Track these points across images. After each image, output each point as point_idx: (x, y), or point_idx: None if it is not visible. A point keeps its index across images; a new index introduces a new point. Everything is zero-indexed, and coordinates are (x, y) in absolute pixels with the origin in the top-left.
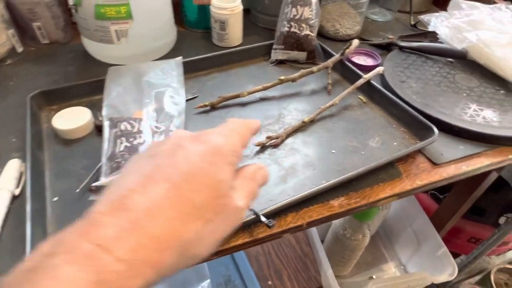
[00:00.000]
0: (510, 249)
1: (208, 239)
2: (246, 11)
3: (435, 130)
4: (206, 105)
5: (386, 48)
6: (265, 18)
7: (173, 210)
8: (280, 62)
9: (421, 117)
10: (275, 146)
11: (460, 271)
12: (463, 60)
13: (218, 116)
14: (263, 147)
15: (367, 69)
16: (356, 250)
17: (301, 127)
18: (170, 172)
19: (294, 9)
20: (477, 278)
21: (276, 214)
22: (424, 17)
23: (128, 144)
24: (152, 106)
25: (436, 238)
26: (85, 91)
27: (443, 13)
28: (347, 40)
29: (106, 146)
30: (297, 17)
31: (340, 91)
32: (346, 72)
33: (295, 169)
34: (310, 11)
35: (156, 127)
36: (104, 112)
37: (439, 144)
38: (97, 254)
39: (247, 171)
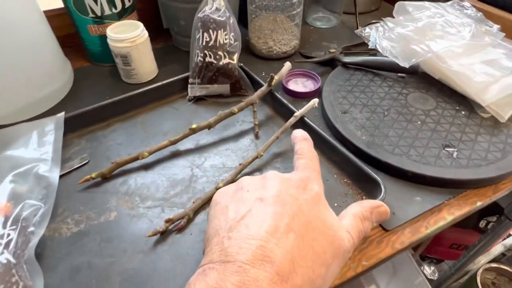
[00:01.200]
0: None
1: (328, 282)
2: (168, 32)
3: (382, 186)
4: (93, 178)
5: (329, 63)
6: (185, 41)
7: (303, 259)
8: (201, 99)
9: (363, 167)
10: (180, 230)
11: (447, 278)
12: (415, 75)
13: (110, 191)
14: (163, 234)
15: (305, 96)
16: None
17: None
18: (292, 222)
19: (206, 34)
20: (463, 280)
21: None
22: (361, 31)
23: None
24: (5, 198)
25: (412, 265)
26: None
27: (387, 20)
28: (283, 58)
29: None
30: (211, 43)
31: (271, 132)
32: (277, 106)
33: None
34: (226, 34)
35: (1, 235)
36: None
37: (391, 197)
38: None
39: (363, 208)
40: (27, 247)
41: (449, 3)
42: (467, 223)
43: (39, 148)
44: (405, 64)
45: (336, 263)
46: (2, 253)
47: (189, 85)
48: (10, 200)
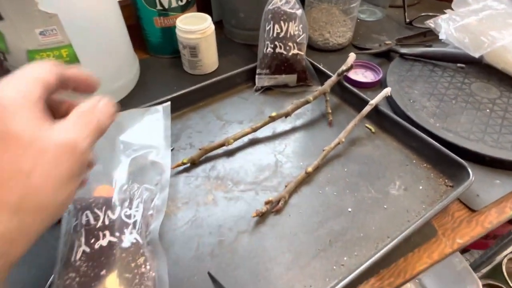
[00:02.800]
0: None
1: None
2: (218, 24)
3: (470, 171)
4: (184, 163)
5: (384, 55)
6: (242, 33)
7: None
8: (267, 89)
9: (448, 152)
10: (278, 211)
11: (477, 267)
12: (476, 65)
13: (201, 175)
14: (262, 216)
15: (368, 86)
16: None
17: (305, 179)
18: None
19: (277, 26)
20: (487, 269)
21: None
22: (430, 22)
23: (87, 249)
24: (125, 181)
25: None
26: None
27: (449, 12)
28: (338, 49)
29: (61, 246)
30: (282, 35)
31: (343, 119)
32: (346, 95)
33: (308, 244)
34: (296, 26)
35: (127, 216)
36: None
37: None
38: None
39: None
40: (147, 229)
41: None
42: None
43: (151, 135)
44: (476, 54)
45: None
46: (131, 233)
47: (257, 76)
48: (129, 183)
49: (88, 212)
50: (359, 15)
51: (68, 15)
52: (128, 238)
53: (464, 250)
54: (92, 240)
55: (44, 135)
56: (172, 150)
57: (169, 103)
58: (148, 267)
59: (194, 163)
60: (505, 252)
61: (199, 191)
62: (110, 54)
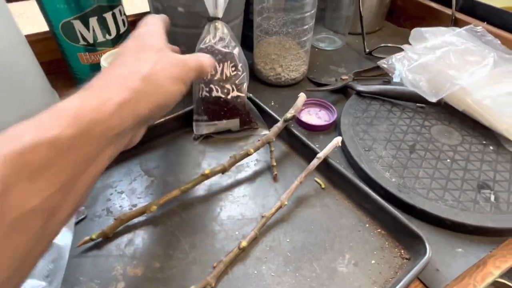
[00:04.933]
0: None
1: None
2: None
3: (427, 246)
4: (93, 239)
5: (340, 91)
6: None
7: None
8: (207, 136)
9: (404, 220)
10: None
11: None
12: (436, 105)
13: (114, 253)
14: None
15: (321, 129)
16: None
17: (238, 255)
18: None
19: None
20: None
21: None
22: (384, 63)
23: None
24: None
25: None
26: None
27: (405, 48)
28: (292, 84)
29: None
30: (217, 77)
31: (290, 172)
32: (294, 142)
33: None
34: (233, 66)
35: None
36: None
37: (431, 249)
38: None
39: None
40: None
41: (464, 28)
42: None
43: None
44: (433, 99)
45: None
46: None
47: (194, 123)
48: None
49: None
50: (318, 43)
51: None
52: None
53: None
54: None
55: (167, 50)
56: (83, 219)
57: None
58: None
59: (107, 237)
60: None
61: (108, 276)
62: (13, 99)
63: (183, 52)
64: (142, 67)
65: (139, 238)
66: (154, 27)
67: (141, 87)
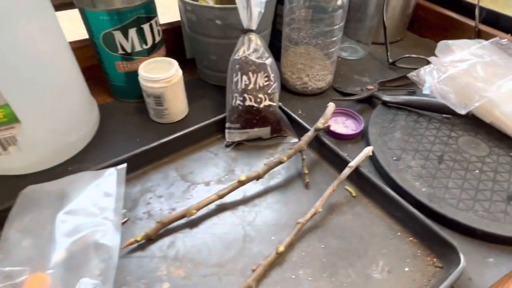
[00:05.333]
0: None
1: None
2: (192, 62)
3: (461, 256)
4: (138, 241)
5: (366, 100)
6: (214, 75)
7: None
8: (238, 143)
9: (436, 229)
10: None
11: None
12: (463, 117)
13: (158, 254)
14: None
15: (348, 138)
16: None
17: (276, 260)
18: None
19: (245, 77)
20: None
21: None
22: (413, 75)
23: None
24: (61, 272)
25: None
26: None
27: (433, 61)
28: (318, 93)
29: None
30: (251, 86)
31: (320, 180)
32: (324, 151)
33: None
34: (266, 76)
35: None
36: None
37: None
38: None
39: None
40: None
41: (489, 41)
42: None
43: (99, 207)
44: (463, 112)
45: None
46: None
47: (226, 130)
48: (65, 276)
49: None
50: (341, 53)
51: (3, 70)
52: None
53: None
54: None
55: None
56: (125, 222)
57: (124, 165)
58: None
59: (150, 239)
60: None
61: (153, 277)
62: (59, 107)
63: (214, 61)
64: None
65: (180, 241)
66: None
67: None
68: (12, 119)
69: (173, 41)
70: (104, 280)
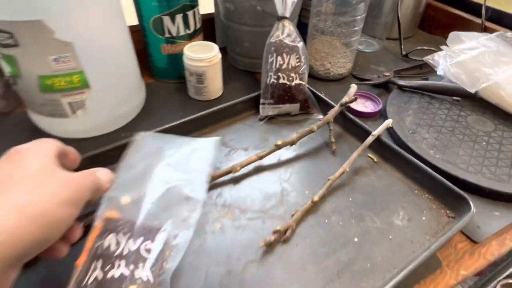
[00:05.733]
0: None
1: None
2: (222, 51)
3: (471, 203)
4: None
5: (383, 86)
6: (246, 61)
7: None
8: (270, 117)
9: (450, 184)
10: (285, 241)
11: None
12: (471, 99)
13: (208, 202)
14: (270, 245)
15: (368, 116)
16: None
17: (311, 208)
18: None
19: (279, 58)
20: None
21: None
22: (429, 59)
23: (100, 276)
24: (153, 211)
25: None
26: None
27: (445, 49)
28: (339, 79)
29: (85, 261)
30: (284, 66)
31: (345, 148)
32: (349, 125)
33: (316, 275)
34: (297, 58)
35: (147, 250)
36: (102, 207)
37: None
38: None
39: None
40: (162, 268)
41: (495, 34)
42: None
43: (193, 167)
44: (472, 90)
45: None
46: (145, 269)
47: (260, 105)
48: (158, 217)
49: (113, 235)
50: (358, 46)
51: (82, 43)
52: (140, 274)
53: None
54: (107, 267)
55: (55, 167)
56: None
57: (219, 138)
58: None
59: None
60: (498, 278)
61: (207, 219)
62: (119, 80)
63: (246, 48)
64: (15, 197)
65: (227, 193)
66: (36, 149)
67: (13, 224)
68: (84, 85)
69: (206, 32)
70: (187, 227)
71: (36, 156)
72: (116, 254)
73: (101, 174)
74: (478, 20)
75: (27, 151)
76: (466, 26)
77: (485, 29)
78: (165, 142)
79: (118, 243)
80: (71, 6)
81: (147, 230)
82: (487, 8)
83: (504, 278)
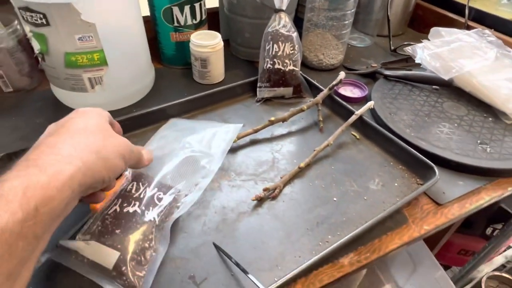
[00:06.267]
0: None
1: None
2: (225, 42)
3: (436, 170)
4: None
5: (370, 76)
6: (246, 51)
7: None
8: (266, 99)
9: (419, 155)
10: (273, 197)
11: (454, 283)
12: (448, 87)
13: None
14: (260, 200)
15: (355, 100)
16: (353, 282)
17: (298, 173)
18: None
19: (275, 46)
20: (468, 286)
21: (284, 283)
22: (408, 49)
23: (118, 209)
24: (171, 170)
25: (432, 259)
26: None
27: (425, 42)
28: (331, 69)
29: (110, 198)
30: (279, 53)
31: (332, 127)
32: (336, 107)
33: (298, 224)
34: (292, 46)
35: (159, 198)
36: None
37: (439, 180)
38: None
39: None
40: (167, 217)
41: (473, 30)
42: (475, 230)
43: (213, 145)
44: (446, 77)
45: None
46: (152, 210)
47: (258, 88)
48: (174, 178)
49: (135, 182)
50: (350, 41)
51: (103, 25)
52: (149, 216)
53: (445, 267)
54: (125, 204)
55: (112, 130)
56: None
57: (241, 125)
58: (151, 245)
59: None
60: (485, 270)
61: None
62: (132, 60)
63: (247, 38)
64: (93, 141)
65: (225, 160)
66: (97, 111)
67: (91, 160)
68: (103, 62)
69: (210, 24)
70: (196, 190)
71: (99, 116)
72: (134, 196)
73: (145, 152)
74: (463, 20)
75: (91, 111)
76: (452, 25)
77: (468, 28)
78: (197, 123)
79: (137, 189)
80: None
81: (163, 185)
82: (471, 8)
83: (492, 270)
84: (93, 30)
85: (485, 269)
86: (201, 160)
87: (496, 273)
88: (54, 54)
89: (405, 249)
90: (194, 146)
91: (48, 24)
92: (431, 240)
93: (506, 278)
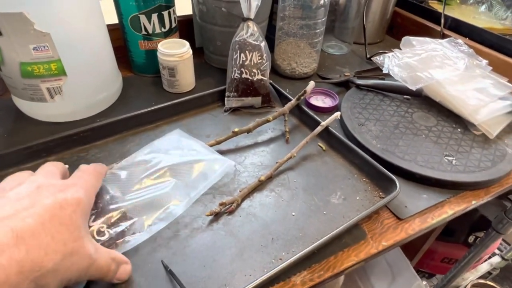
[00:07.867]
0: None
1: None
2: (200, 50)
3: (397, 183)
4: None
5: (344, 85)
6: (219, 59)
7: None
8: (235, 109)
9: (382, 169)
10: (230, 212)
11: None
12: (419, 97)
13: None
14: (217, 215)
15: (325, 110)
16: None
17: (258, 186)
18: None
19: (242, 55)
20: None
21: None
22: (377, 59)
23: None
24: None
25: (410, 270)
26: (17, 159)
27: (395, 51)
28: (304, 78)
29: None
30: (247, 62)
31: (299, 138)
32: (304, 117)
33: (253, 241)
34: (260, 55)
35: (100, 231)
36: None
37: (402, 194)
38: None
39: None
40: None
41: (445, 40)
42: (457, 238)
43: (193, 178)
44: (413, 87)
45: (73, 260)
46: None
47: (226, 98)
48: (142, 207)
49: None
50: (327, 49)
51: (60, 34)
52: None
53: (429, 275)
54: None
55: (85, 239)
56: None
57: (233, 163)
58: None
59: None
60: (470, 278)
61: None
62: (95, 69)
63: (219, 46)
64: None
65: None
66: (83, 199)
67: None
68: (61, 72)
69: (185, 32)
70: (147, 232)
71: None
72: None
73: (122, 266)
74: (439, 28)
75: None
76: (428, 33)
77: (443, 36)
78: (197, 144)
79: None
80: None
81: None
82: (447, 17)
83: (477, 278)
84: (48, 40)
85: (470, 277)
86: (171, 199)
87: (481, 280)
88: (9, 64)
89: (384, 259)
90: (174, 174)
91: (0, 34)
92: (411, 248)
93: (491, 286)
